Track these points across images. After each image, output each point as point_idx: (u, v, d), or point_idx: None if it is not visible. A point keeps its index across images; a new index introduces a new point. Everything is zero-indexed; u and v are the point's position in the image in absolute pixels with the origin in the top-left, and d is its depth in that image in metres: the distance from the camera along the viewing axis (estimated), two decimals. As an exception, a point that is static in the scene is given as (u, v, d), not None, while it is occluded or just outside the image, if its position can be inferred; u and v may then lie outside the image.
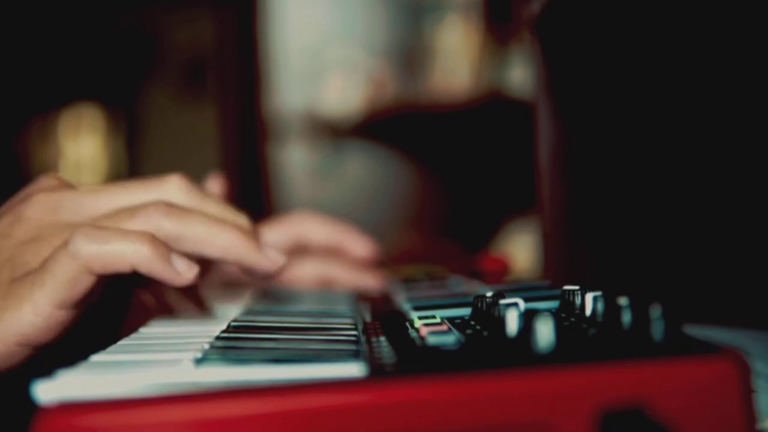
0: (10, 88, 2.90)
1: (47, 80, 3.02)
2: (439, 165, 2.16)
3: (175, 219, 0.41)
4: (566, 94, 0.74)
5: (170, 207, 0.42)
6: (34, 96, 3.03)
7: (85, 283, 0.38)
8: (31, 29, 2.94)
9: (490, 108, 1.99)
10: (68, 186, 0.44)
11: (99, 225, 0.40)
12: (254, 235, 0.44)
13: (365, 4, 2.18)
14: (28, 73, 2.97)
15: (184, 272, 0.40)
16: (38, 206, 0.42)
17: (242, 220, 0.45)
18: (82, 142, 3.13)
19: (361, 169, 2.18)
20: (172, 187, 0.44)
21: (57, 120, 3.12)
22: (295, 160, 2.16)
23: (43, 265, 0.38)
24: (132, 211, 0.41)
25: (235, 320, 0.42)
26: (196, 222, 0.42)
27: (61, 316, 0.38)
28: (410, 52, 2.12)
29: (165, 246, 0.39)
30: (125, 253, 0.38)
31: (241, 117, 2.32)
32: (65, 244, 0.38)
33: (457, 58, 2.05)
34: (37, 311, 0.38)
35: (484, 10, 2.04)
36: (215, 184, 0.60)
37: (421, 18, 2.12)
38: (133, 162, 3.10)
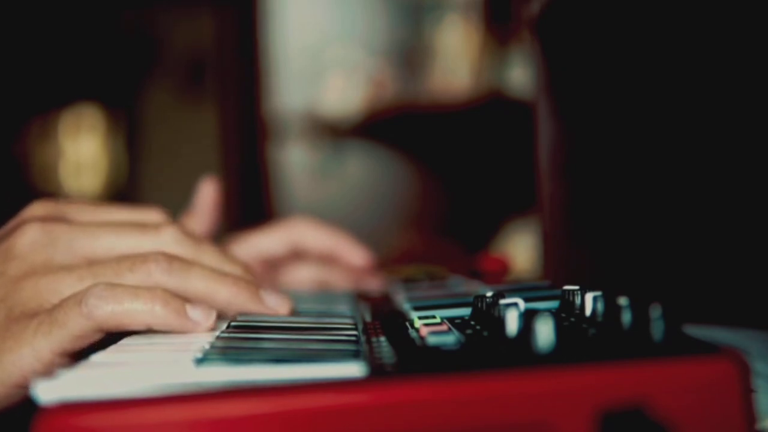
0: (10, 88, 2.90)
1: (47, 80, 3.02)
2: (439, 165, 2.16)
3: (175, 275, 0.41)
4: (566, 94, 0.74)
5: (170, 261, 0.41)
6: (34, 96, 3.02)
7: (94, 339, 0.39)
8: (31, 29, 2.94)
9: (490, 108, 1.99)
10: (61, 216, 0.44)
11: (106, 282, 0.40)
12: (253, 286, 0.44)
13: (365, 4, 2.18)
14: (28, 73, 2.97)
15: (203, 321, 0.40)
16: (30, 241, 0.42)
17: (239, 269, 0.45)
18: (82, 142, 3.13)
19: (361, 169, 2.18)
20: (169, 236, 0.44)
21: (57, 120, 3.12)
22: (295, 160, 2.16)
23: (51, 315, 0.38)
24: (132, 263, 0.41)
25: (235, 320, 0.42)
26: (196, 278, 0.42)
27: (62, 362, 0.39)
28: (410, 52, 2.12)
29: (178, 300, 0.39)
30: (139, 313, 0.38)
31: (241, 117, 2.32)
32: (77, 299, 0.38)
33: (457, 58, 2.05)
34: (38, 357, 0.38)
35: (484, 10, 2.04)
36: (209, 188, 0.59)
37: (421, 18, 2.12)
38: (133, 162, 3.10)
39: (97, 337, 0.39)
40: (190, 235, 0.45)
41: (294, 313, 0.45)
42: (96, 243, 0.42)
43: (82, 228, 0.43)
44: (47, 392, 0.27)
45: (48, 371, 0.38)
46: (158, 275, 0.41)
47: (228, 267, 0.44)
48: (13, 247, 0.41)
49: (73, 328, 0.38)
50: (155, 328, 0.39)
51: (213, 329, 0.40)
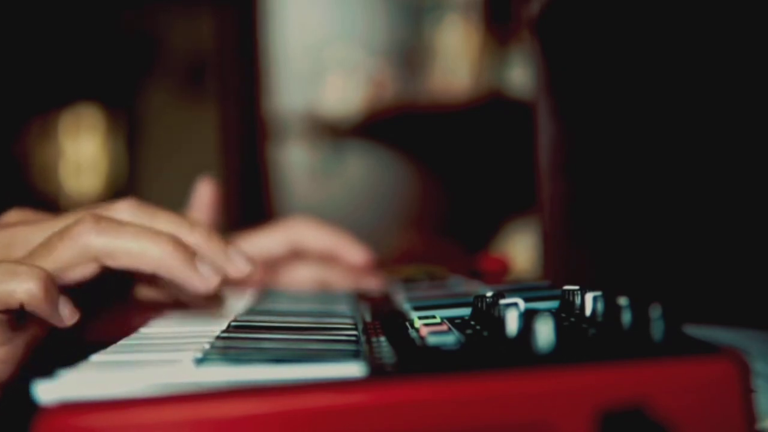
0: (10, 88, 2.90)
1: (47, 80, 3.02)
2: (439, 165, 2.16)
3: (103, 234, 0.40)
4: (566, 94, 0.74)
5: (99, 220, 0.40)
6: (34, 96, 3.02)
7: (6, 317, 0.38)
8: (31, 29, 2.94)
9: (490, 108, 1.99)
10: (31, 220, 0.44)
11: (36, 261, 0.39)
12: (190, 255, 0.41)
13: (365, 4, 2.18)
14: (28, 73, 2.97)
15: (65, 318, 0.39)
16: None
17: (197, 234, 0.43)
18: (82, 142, 3.13)
19: (361, 169, 2.18)
20: (123, 207, 0.43)
21: (57, 120, 3.12)
22: (295, 160, 2.16)
23: None
24: (61, 233, 0.40)
25: (235, 320, 0.42)
26: (125, 234, 0.40)
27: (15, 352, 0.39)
28: (410, 52, 2.12)
29: (54, 288, 0.38)
30: (14, 291, 0.37)
31: (241, 117, 2.32)
32: None
33: (457, 58, 2.05)
34: None
35: (484, 10, 2.04)
36: (206, 188, 0.59)
37: (421, 18, 2.12)
38: (133, 162, 3.10)
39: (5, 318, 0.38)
40: (144, 206, 0.43)
41: (293, 313, 0.45)
42: (45, 234, 0.42)
43: (37, 224, 0.43)
44: (47, 392, 0.27)
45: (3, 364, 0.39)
46: (85, 235, 0.40)
47: (183, 231, 0.43)
48: None
49: None
50: (29, 309, 0.38)
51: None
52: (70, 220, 0.42)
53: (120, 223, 0.41)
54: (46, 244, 0.40)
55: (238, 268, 0.44)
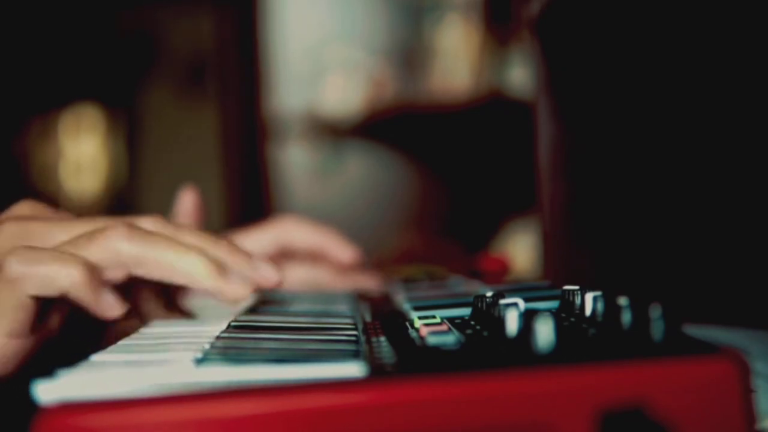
0: (10, 88, 2.90)
1: (47, 80, 3.02)
2: (439, 165, 2.16)
3: (135, 241, 0.40)
4: (566, 94, 0.74)
5: (130, 229, 0.40)
6: (34, 96, 3.02)
7: (27, 307, 0.38)
8: (31, 29, 2.94)
9: (490, 108, 1.99)
10: (41, 215, 0.44)
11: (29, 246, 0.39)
12: (219, 265, 0.42)
13: (365, 4, 2.18)
14: (28, 73, 2.97)
15: (110, 308, 0.39)
16: (6, 236, 0.41)
17: (222, 247, 0.43)
18: (82, 142, 3.13)
19: (361, 169, 2.18)
20: (147, 221, 0.43)
21: (57, 120, 3.12)
22: (295, 160, 2.16)
23: None
24: (91, 235, 0.40)
25: (235, 320, 0.42)
26: (157, 245, 0.40)
27: (15, 346, 0.38)
28: (410, 52, 2.12)
29: (99, 276, 0.38)
30: (56, 275, 0.37)
31: (241, 117, 2.32)
32: (2, 268, 0.37)
33: (457, 58, 2.05)
34: None
35: (484, 10, 2.04)
36: (187, 198, 0.59)
37: (421, 18, 2.12)
38: (133, 162, 3.10)
39: (30, 305, 0.38)
40: (170, 221, 0.44)
41: (293, 313, 0.45)
42: (69, 230, 0.42)
43: (58, 221, 0.43)
44: (47, 392, 0.27)
45: (4, 356, 0.38)
46: (116, 240, 0.39)
47: (206, 246, 0.43)
48: None
49: (4, 300, 0.37)
50: (70, 296, 0.38)
51: (125, 317, 0.39)
52: (99, 224, 0.42)
53: (151, 234, 0.41)
54: (75, 243, 0.40)
55: (266, 277, 0.44)
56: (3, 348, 0.38)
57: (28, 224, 0.42)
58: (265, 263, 0.44)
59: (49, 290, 0.38)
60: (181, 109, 3.01)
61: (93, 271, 0.38)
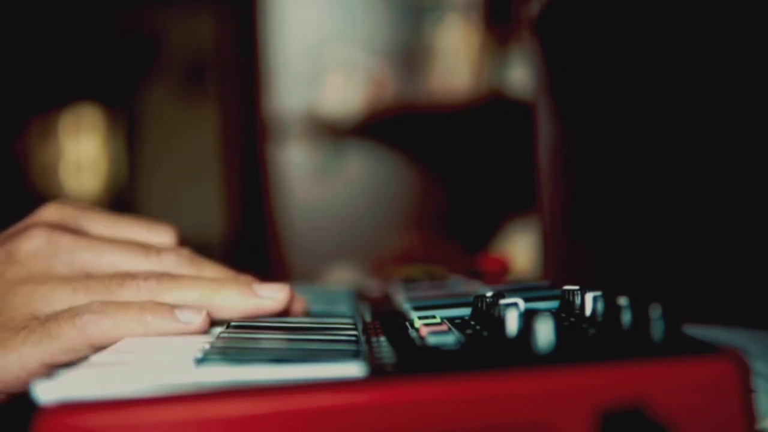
0: (10, 88, 2.90)
1: (47, 80, 3.02)
2: (439, 165, 2.16)
3: (164, 288, 0.41)
4: (566, 94, 0.74)
5: (159, 278, 0.41)
6: (34, 96, 3.02)
7: (83, 354, 0.39)
8: (31, 29, 2.94)
9: (490, 108, 1.99)
10: (72, 225, 0.44)
11: (101, 299, 0.40)
12: (250, 286, 0.43)
13: (365, 4, 2.18)
14: (28, 73, 2.97)
15: (194, 320, 0.39)
16: (33, 247, 0.42)
17: (243, 279, 0.44)
18: (82, 142, 3.13)
19: (361, 169, 2.18)
20: (170, 260, 0.44)
21: (57, 120, 3.12)
22: (295, 160, 2.16)
23: (44, 326, 0.38)
24: (122, 278, 0.41)
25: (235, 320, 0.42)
26: (185, 288, 0.42)
27: (46, 372, 0.39)
28: (410, 52, 2.12)
29: (165, 306, 0.40)
30: (130, 326, 0.39)
31: (241, 117, 2.32)
32: (72, 314, 0.38)
33: (457, 58, 2.05)
34: (23, 366, 0.38)
35: (484, 10, 2.04)
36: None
37: (421, 18, 2.12)
38: (133, 162, 3.10)
39: (87, 352, 0.39)
40: (192, 258, 0.44)
41: (304, 309, 0.45)
42: (98, 259, 0.43)
43: (88, 242, 0.43)
44: (47, 392, 0.27)
45: (31, 380, 0.38)
46: (146, 291, 0.41)
47: (229, 277, 0.44)
48: (17, 251, 0.42)
49: (65, 341, 0.38)
50: (150, 335, 0.39)
51: (207, 330, 0.40)
52: (123, 256, 0.43)
53: (180, 278, 0.42)
54: (108, 284, 0.41)
55: (272, 302, 0.44)
56: (35, 374, 0.38)
57: (55, 236, 0.42)
58: (267, 288, 0.44)
59: (116, 340, 0.39)
60: (181, 109, 3.01)
61: (158, 306, 0.40)
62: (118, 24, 3.07)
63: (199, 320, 0.40)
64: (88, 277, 0.42)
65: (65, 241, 0.42)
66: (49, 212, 0.45)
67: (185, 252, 0.45)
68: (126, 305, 0.39)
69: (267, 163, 2.17)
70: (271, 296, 0.43)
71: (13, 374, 0.38)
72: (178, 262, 0.44)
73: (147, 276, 0.41)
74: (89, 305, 0.39)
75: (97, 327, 0.38)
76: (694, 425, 0.26)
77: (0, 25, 2.84)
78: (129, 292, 0.41)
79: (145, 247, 0.44)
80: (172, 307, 0.40)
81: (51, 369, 0.39)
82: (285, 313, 0.44)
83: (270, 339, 0.36)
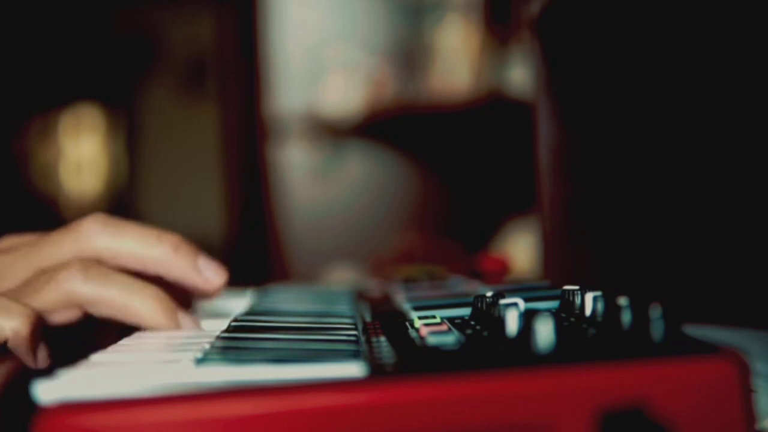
0: (10, 88, 2.90)
1: (47, 80, 3.02)
2: (439, 165, 2.16)
3: (89, 282, 0.40)
4: (566, 94, 0.74)
5: (86, 269, 0.41)
6: (34, 96, 3.02)
7: None
8: (31, 29, 2.94)
9: (490, 108, 1.99)
10: (14, 246, 0.44)
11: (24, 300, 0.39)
12: (171, 304, 0.42)
13: (365, 4, 2.18)
14: (28, 73, 2.97)
15: (41, 362, 0.39)
16: None
17: (169, 245, 0.43)
18: (82, 142, 3.13)
19: (361, 169, 2.18)
20: (87, 231, 0.43)
21: (57, 120, 3.12)
22: (295, 160, 2.16)
23: None
24: (49, 276, 0.40)
25: (235, 320, 0.42)
26: (111, 286, 0.41)
27: None
28: (410, 52, 2.12)
29: (39, 331, 0.39)
30: (1, 326, 0.38)
31: (241, 117, 2.32)
32: None
33: (457, 58, 2.05)
34: None
35: (484, 10, 2.04)
36: None
37: (421, 18, 2.12)
38: (133, 162, 3.10)
39: None
40: (110, 221, 0.43)
41: (293, 313, 0.45)
42: (32, 261, 0.42)
43: (22, 251, 0.43)
44: (47, 392, 0.27)
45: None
46: (71, 284, 0.40)
47: (156, 248, 0.43)
48: None
49: None
50: (10, 346, 0.38)
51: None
52: (54, 254, 0.42)
53: (107, 273, 0.41)
54: (32, 285, 0.40)
55: (209, 280, 0.44)
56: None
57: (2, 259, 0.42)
58: (208, 264, 0.44)
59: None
60: (181, 109, 3.01)
61: (36, 324, 0.39)
62: (117, 24, 3.07)
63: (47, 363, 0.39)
64: (23, 284, 0.41)
65: (3, 260, 0.42)
66: (3, 242, 0.45)
67: (105, 218, 0.43)
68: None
69: (267, 163, 2.17)
70: (207, 279, 0.43)
71: None
72: (95, 230, 0.43)
73: (71, 267, 0.40)
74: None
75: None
76: (694, 425, 0.26)
77: (0, 25, 2.84)
78: (53, 288, 0.40)
79: (61, 232, 0.43)
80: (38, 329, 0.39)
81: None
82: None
83: (270, 339, 0.36)
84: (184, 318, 0.42)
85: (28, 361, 0.39)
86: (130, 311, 0.41)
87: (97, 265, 0.41)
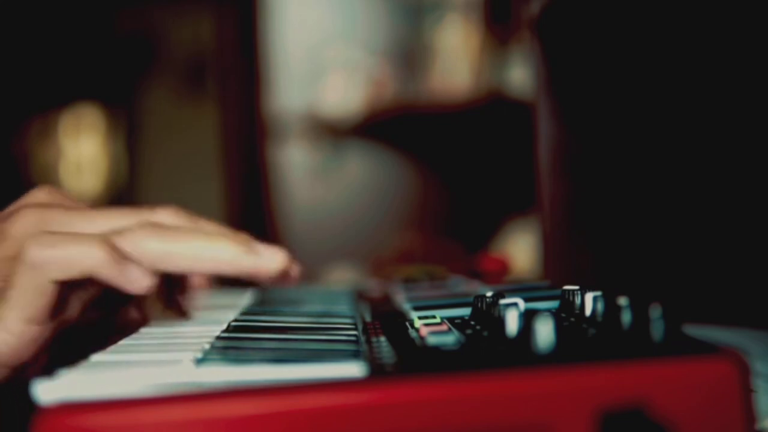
0: (10, 88, 2.90)
1: (47, 80, 3.02)
2: (439, 165, 2.16)
3: (160, 236, 0.40)
4: (566, 94, 0.74)
5: (156, 225, 0.41)
6: (34, 96, 3.02)
7: (49, 292, 0.37)
8: (31, 29, 2.94)
9: (490, 108, 1.99)
10: (59, 203, 0.43)
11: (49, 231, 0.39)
12: (248, 243, 0.42)
13: (365, 4, 2.18)
14: (28, 73, 2.97)
15: (137, 280, 0.39)
16: (25, 223, 0.41)
17: (238, 235, 0.44)
18: (82, 142, 3.13)
19: (361, 169, 2.18)
20: (165, 212, 0.43)
21: (57, 120, 3.12)
22: (295, 160, 2.16)
23: (8, 282, 0.38)
24: (117, 232, 0.40)
25: (235, 320, 0.42)
26: (183, 237, 0.41)
27: (34, 332, 0.38)
28: (410, 52, 2.12)
29: (120, 253, 0.38)
30: (79, 256, 0.37)
31: (241, 117, 2.32)
32: (23, 255, 0.37)
33: (457, 58, 2.05)
34: (8, 328, 0.37)
35: (484, 10, 2.04)
36: None
37: (421, 18, 2.12)
38: (133, 162, 3.10)
39: (52, 290, 0.37)
40: (187, 213, 0.44)
41: (293, 313, 0.45)
42: (90, 225, 0.41)
43: (79, 211, 0.42)
44: (47, 392, 0.27)
45: (22, 344, 0.38)
46: (142, 238, 0.40)
47: (225, 233, 0.43)
48: (9, 228, 0.41)
49: (24, 284, 0.37)
50: (95, 276, 0.38)
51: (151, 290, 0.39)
52: (119, 218, 0.42)
53: (176, 228, 0.41)
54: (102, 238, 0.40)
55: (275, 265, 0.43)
56: (22, 335, 0.38)
57: (47, 212, 0.42)
58: (266, 248, 0.44)
59: (73, 272, 0.37)
60: (181, 108, 3.01)
61: (115, 249, 0.38)
62: (117, 24, 3.07)
63: (144, 282, 0.39)
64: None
65: (56, 214, 0.41)
66: (39, 195, 0.44)
67: (179, 209, 0.44)
68: (77, 236, 0.37)
69: (267, 163, 2.17)
70: (269, 257, 0.42)
71: (4, 341, 0.37)
72: (172, 217, 0.43)
73: (144, 224, 0.40)
74: (35, 236, 0.37)
75: (42, 256, 0.37)
76: (694, 425, 0.26)
77: (0, 25, 2.84)
78: (126, 240, 0.39)
79: (137, 208, 0.43)
80: (125, 259, 0.38)
81: (40, 327, 0.38)
82: (280, 279, 0.43)
83: (270, 339, 0.36)
84: (266, 252, 0.42)
85: (125, 284, 0.38)
86: (205, 259, 0.41)
87: (167, 226, 0.41)
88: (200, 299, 0.52)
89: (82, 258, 0.37)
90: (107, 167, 3.13)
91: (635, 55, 0.70)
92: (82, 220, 0.42)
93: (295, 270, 0.44)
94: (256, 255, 0.42)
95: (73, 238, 0.38)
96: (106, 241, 0.38)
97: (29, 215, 0.41)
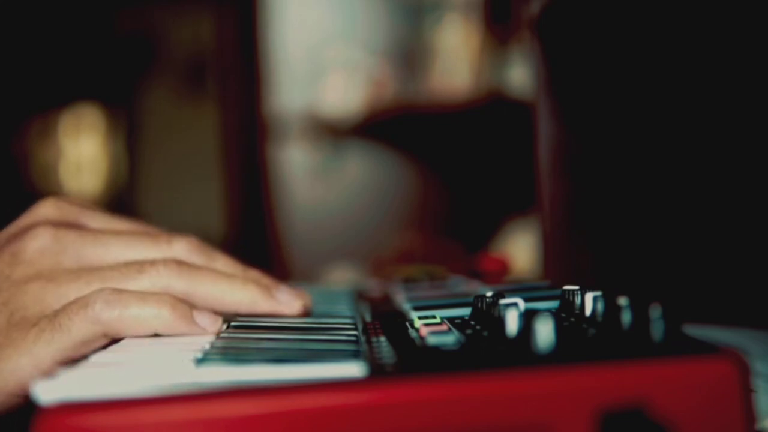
0: (10, 88, 2.90)
1: (47, 80, 3.02)
2: (439, 165, 2.16)
3: (184, 277, 0.40)
4: (566, 94, 0.74)
5: (180, 265, 0.41)
6: (34, 96, 3.02)
7: (97, 345, 0.38)
8: (31, 29, 2.94)
9: (490, 108, 1.99)
10: (74, 221, 0.43)
11: (115, 287, 0.39)
12: (266, 287, 0.43)
13: (365, 4, 2.18)
14: (28, 73, 2.97)
15: (209, 327, 0.39)
16: (39, 246, 0.41)
17: (252, 274, 0.44)
18: (82, 142, 3.13)
19: (361, 169, 2.18)
20: (181, 246, 0.43)
21: (57, 120, 3.12)
22: (295, 160, 2.16)
23: (54, 320, 0.37)
24: (141, 266, 0.40)
25: (235, 320, 0.42)
26: (206, 280, 0.41)
27: (61, 369, 0.38)
28: (410, 52, 2.12)
29: (185, 305, 0.39)
30: (147, 318, 0.38)
31: (241, 117, 2.32)
32: (83, 303, 0.37)
33: (457, 58, 2.05)
34: (37, 365, 0.37)
35: (484, 10, 2.04)
36: None
37: (421, 18, 2.12)
38: (133, 162, 3.10)
39: (101, 342, 0.38)
40: (202, 248, 0.44)
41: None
42: (106, 251, 0.42)
43: (94, 236, 0.42)
44: (47, 392, 0.27)
45: (45, 377, 0.38)
46: (167, 278, 0.40)
47: (240, 273, 0.44)
48: (23, 251, 0.41)
49: (78, 333, 0.37)
50: (162, 333, 0.39)
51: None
52: (133, 248, 0.42)
53: (198, 269, 0.42)
54: (124, 272, 0.40)
55: (290, 305, 0.44)
56: (50, 372, 0.37)
57: (60, 233, 0.41)
58: (285, 291, 0.44)
59: (140, 332, 0.38)
60: (181, 108, 3.01)
61: (179, 304, 0.39)
62: (117, 24, 3.07)
63: (214, 327, 0.39)
64: (100, 268, 0.40)
65: (71, 237, 0.41)
66: (47, 209, 0.44)
67: (195, 240, 0.44)
68: (144, 296, 0.38)
69: (267, 163, 2.17)
70: (287, 303, 0.43)
71: (29, 376, 0.37)
72: (189, 251, 0.43)
73: (167, 263, 0.40)
74: (101, 292, 0.38)
75: (110, 316, 0.37)
76: (694, 425, 0.26)
77: (0, 25, 2.84)
78: (147, 279, 0.40)
79: (153, 236, 0.43)
80: (191, 307, 0.39)
81: (66, 365, 0.38)
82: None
83: (270, 339, 0.36)
84: (281, 293, 0.43)
85: (196, 333, 0.39)
86: (225, 301, 0.42)
87: (188, 264, 0.42)
88: None
89: (150, 320, 0.38)
90: (107, 167, 3.13)
91: (635, 55, 0.70)
92: (96, 246, 0.42)
93: (309, 303, 0.45)
94: (274, 300, 0.43)
95: (140, 298, 0.38)
96: (170, 299, 0.38)
97: (42, 237, 0.41)
